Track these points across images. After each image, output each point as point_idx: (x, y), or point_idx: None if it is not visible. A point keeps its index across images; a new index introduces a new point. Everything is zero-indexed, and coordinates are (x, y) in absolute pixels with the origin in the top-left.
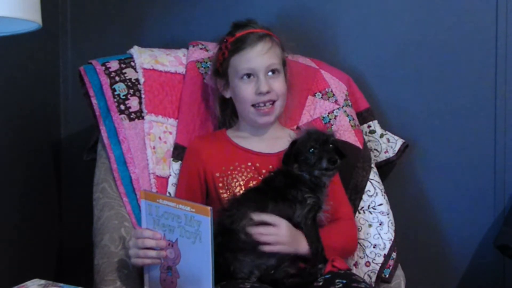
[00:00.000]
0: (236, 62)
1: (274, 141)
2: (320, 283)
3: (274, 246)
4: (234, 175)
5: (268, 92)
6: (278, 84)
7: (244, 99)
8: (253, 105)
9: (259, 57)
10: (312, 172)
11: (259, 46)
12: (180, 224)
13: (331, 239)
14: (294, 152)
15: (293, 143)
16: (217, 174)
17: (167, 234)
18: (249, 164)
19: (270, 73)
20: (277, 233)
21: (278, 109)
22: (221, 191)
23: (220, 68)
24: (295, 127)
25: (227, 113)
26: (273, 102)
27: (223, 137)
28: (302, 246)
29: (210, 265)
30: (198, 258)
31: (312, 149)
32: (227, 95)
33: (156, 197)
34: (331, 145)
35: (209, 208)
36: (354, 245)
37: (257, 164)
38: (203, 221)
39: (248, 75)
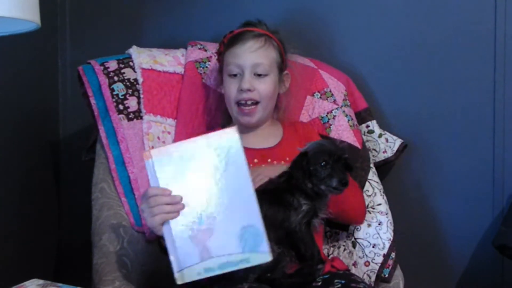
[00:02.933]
0: (227, 57)
1: (268, 136)
2: (319, 283)
3: None
4: None
5: (249, 90)
6: (263, 86)
7: (228, 96)
8: (237, 104)
9: (247, 53)
10: (319, 186)
11: (250, 43)
12: (204, 160)
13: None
14: (305, 161)
15: (304, 154)
16: None
17: (190, 177)
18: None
19: (256, 75)
20: None
21: (261, 112)
22: None
23: (219, 64)
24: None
25: (223, 111)
26: (256, 103)
27: None
28: None
29: (250, 185)
30: (237, 186)
31: (324, 163)
32: (222, 90)
33: (167, 148)
34: (343, 163)
35: (234, 127)
36: (360, 208)
37: (255, 160)
38: (232, 142)
39: (235, 75)
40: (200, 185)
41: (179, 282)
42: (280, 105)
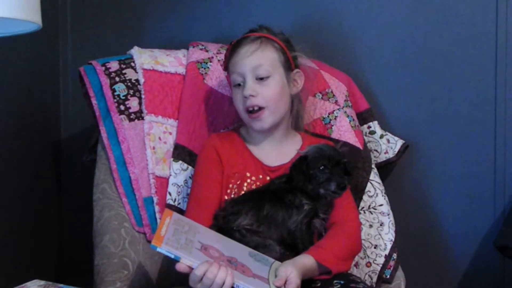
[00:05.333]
0: (230, 69)
1: (285, 147)
2: (318, 284)
3: None
4: (243, 186)
5: (252, 96)
6: (266, 90)
7: (237, 107)
8: (247, 112)
9: (244, 59)
10: (318, 189)
11: (245, 48)
12: (184, 229)
13: (333, 247)
14: (304, 165)
15: (304, 158)
16: (232, 180)
17: (194, 245)
18: (260, 177)
19: (258, 79)
20: None
21: (270, 116)
22: (226, 198)
23: (228, 79)
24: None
25: (225, 112)
26: (262, 108)
27: (237, 140)
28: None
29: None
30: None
31: (323, 167)
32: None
33: (158, 234)
34: (342, 167)
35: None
36: (357, 248)
37: (268, 178)
38: (174, 217)
39: (239, 84)
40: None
41: None
42: (295, 110)
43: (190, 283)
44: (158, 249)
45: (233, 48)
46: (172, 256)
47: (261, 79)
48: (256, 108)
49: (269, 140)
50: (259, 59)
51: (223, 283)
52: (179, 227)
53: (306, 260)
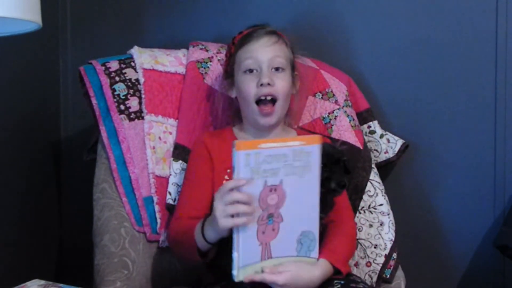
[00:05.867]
0: (240, 56)
1: None
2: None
3: None
4: None
5: (269, 84)
6: (281, 82)
7: (246, 94)
8: (257, 103)
9: (263, 48)
10: None
11: (264, 39)
12: (286, 163)
13: (337, 252)
14: None
15: None
16: (226, 176)
17: (269, 179)
18: None
19: (273, 70)
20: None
21: (279, 110)
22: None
23: (227, 68)
24: (295, 126)
25: (231, 113)
26: (274, 101)
27: (230, 136)
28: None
29: (317, 192)
30: (306, 192)
31: (322, 166)
32: (233, 94)
33: (256, 143)
34: (341, 166)
35: (318, 135)
36: (355, 248)
37: None
38: (313, 150)
39: (251, 70)
40: (277, 186)
41: (237, 279)
42: (292, 107)
43: (215, 193)
44: (234, 152)
45: (246, 38)
46: (234, 167)
47: (277, 69)
48: (269, 98)
49: (264, 137)
50: (277, 51)
51: (231, 216)
52: (295, 157)
53: (318, 272)
